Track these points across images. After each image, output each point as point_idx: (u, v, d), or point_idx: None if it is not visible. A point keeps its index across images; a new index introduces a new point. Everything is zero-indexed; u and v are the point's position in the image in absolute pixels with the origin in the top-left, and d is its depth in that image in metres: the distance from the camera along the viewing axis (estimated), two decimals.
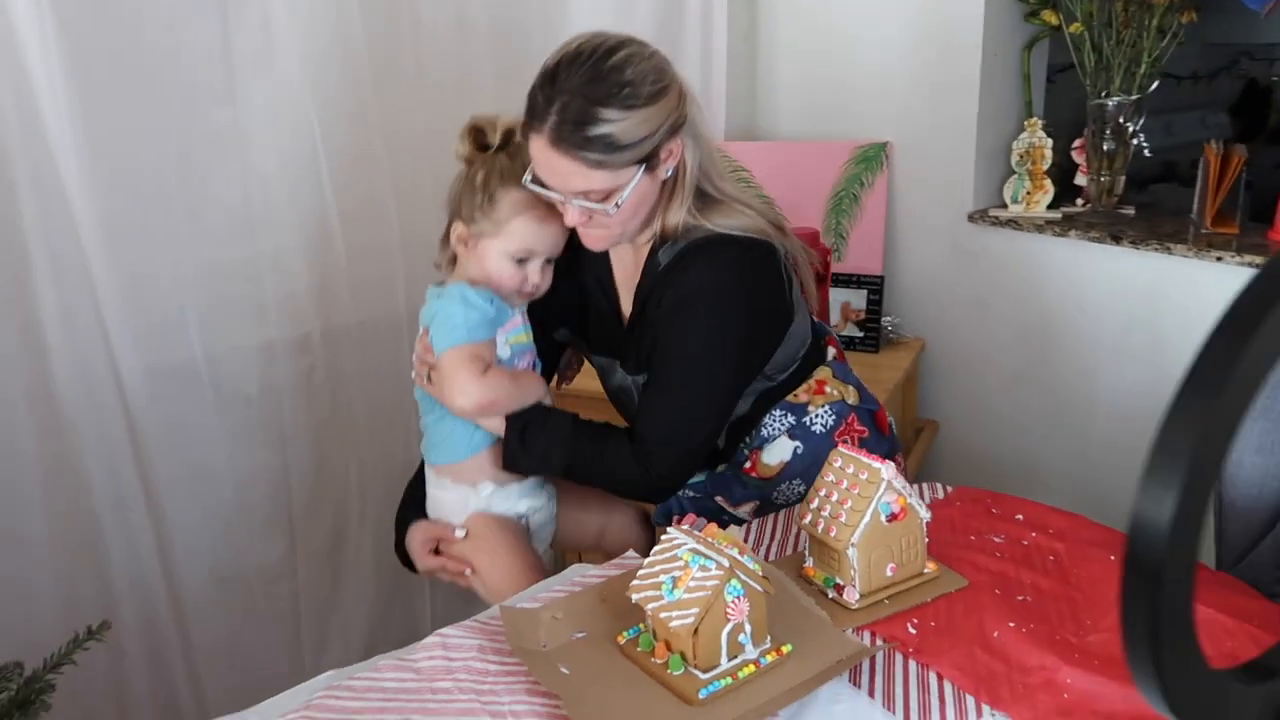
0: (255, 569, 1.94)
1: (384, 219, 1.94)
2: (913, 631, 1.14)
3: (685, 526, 1.11)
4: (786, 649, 1.09)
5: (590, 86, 1.19)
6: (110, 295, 1.62)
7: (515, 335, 1.40)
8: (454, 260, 1.39)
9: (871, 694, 1.04)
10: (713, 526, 1.10)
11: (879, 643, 1.12)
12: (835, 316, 2.22)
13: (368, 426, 2.02)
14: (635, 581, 1.09)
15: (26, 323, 1.58)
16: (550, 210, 1.30)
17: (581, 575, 1.26)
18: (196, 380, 1.78)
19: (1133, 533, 0.48)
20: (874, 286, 2.21)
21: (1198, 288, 1.80)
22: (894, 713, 1.02)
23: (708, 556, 1.05)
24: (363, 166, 1.88)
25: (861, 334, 2.22)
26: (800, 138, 2.38)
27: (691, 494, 1.52)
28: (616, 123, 1.19)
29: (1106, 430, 2.00)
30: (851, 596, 1.17)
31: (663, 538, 1.11)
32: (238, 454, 1.86)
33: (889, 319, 2.25)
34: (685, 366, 1.33)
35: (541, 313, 1.44)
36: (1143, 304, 1.90)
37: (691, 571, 1.04)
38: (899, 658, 1.10)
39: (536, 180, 1.26)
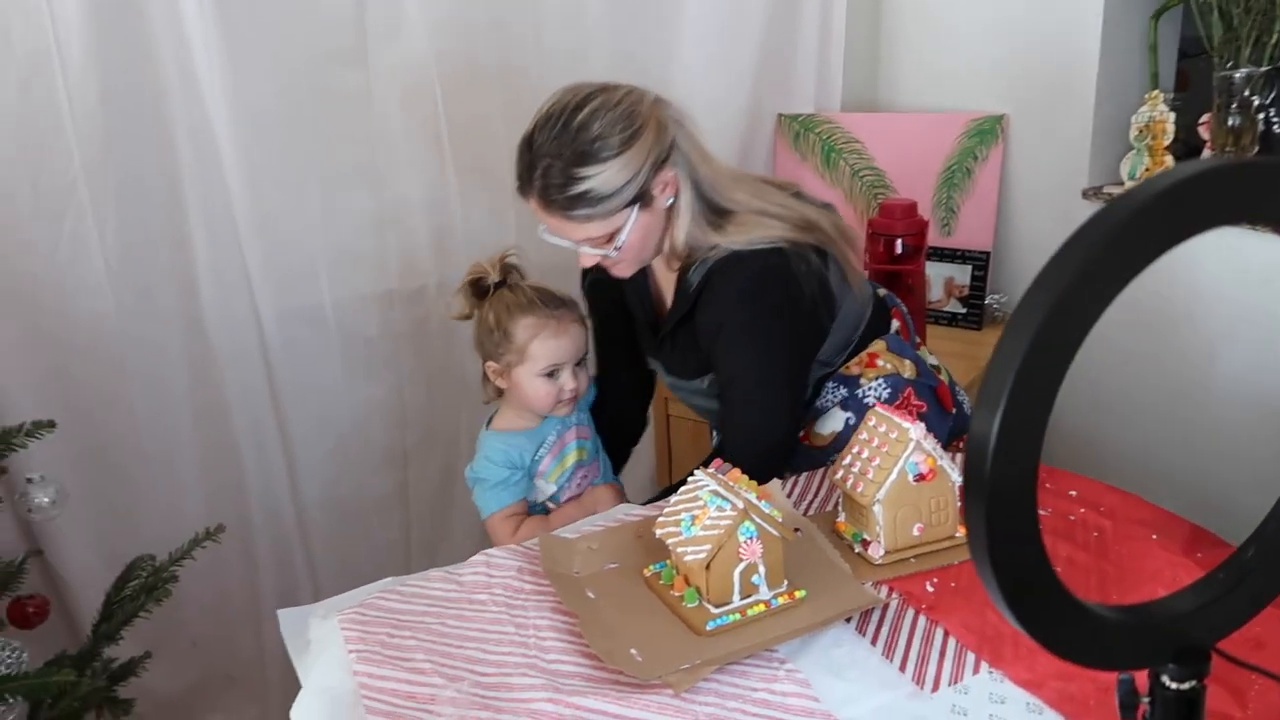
0: (372, 495, 2.13)
1: (498, 179, 2.06)
2: (930, 590, 1.16)
3: (711, 470, 1.17)
4: (800, 594, 1.14)
5: (563, 149, 1.26)
6: (253, 246, 1.83)
7: (565, 458, 1.53)
8: (499, 391, 1.53)
9: (874, 642, 1.08)
10: (735, 472, 1.16)
11: (892, 595, 1.15)
12: (938, 291, 2.20)
13: (478, 378, 2.17)
14: (661, 518, 1.17)
15: (185, 272, 1.80)
16: (561, 323, 1.44)
17: (624, 513, 1.35)
18: (324, 323, 1.97)
19: (967, 449, 0.53)
20: (979, 262, 2.17)
21: None
22: (891, 661, 1.06)
23: (725, 498, 1.11)
24: (479, 128, 2.00)
25: (964, 310, 2.19)
26: (916, 109, 2.35)
27: None
28: (594, 178, 1.27)
29: (1217, 418, 1.90)
30: (876, 552, 1.21)
31: (690, 479, 1.18)
32: (357, 391, 2.04)
33: (995, 296, 2.20)
34: (747, 387, 1.40)
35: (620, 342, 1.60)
36: (1263, 289, 1.79)
37: (709, 510, 1.11)
38: (910, 613, 1.13)
39: (548, 232, 1.36)
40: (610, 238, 1.33)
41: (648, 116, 1.31)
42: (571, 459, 1.54)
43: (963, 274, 2.20)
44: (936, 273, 2.19)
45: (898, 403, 1.49)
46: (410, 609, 1.15)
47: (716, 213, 1.37)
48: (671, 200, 1.36)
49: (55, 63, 1.58)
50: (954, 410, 1.55)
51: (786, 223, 1.38)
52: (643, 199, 1.32)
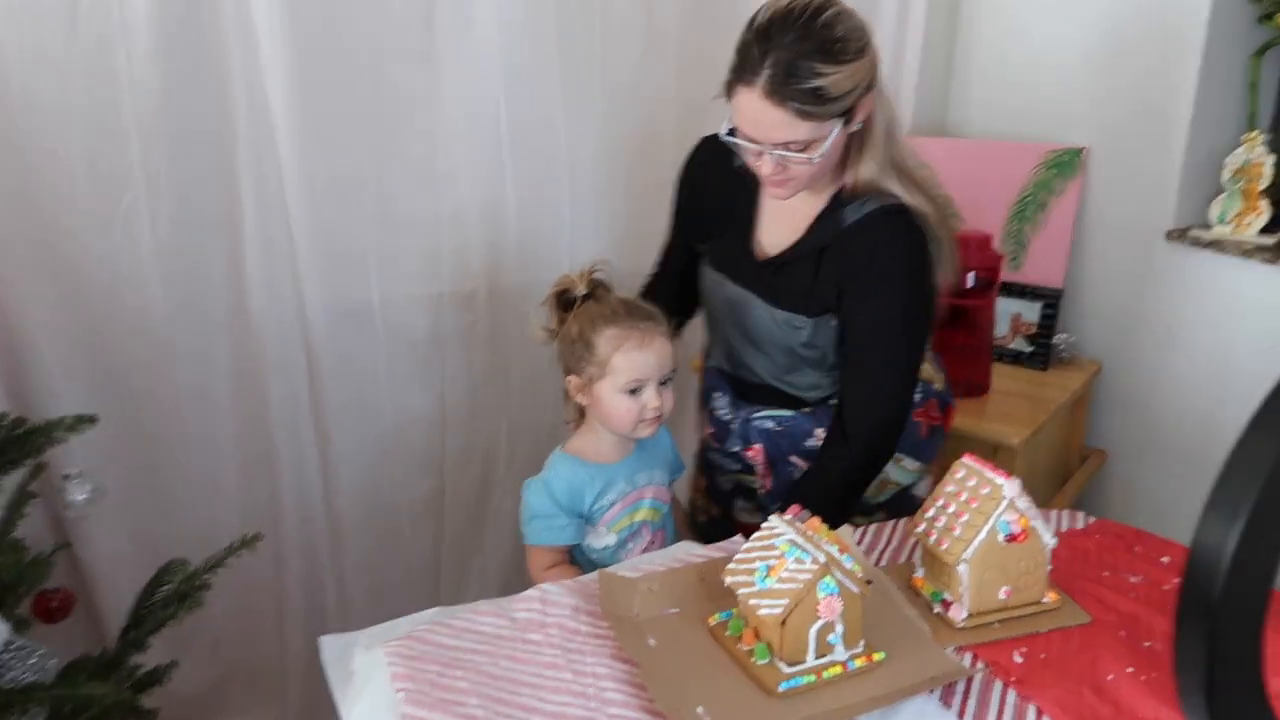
0: (406, 504, 2.06)
1: (557, 187, 2.00)
2: (1019, 660, 1.08)
3: (788, 517, 1.10)
4: (878, 657, 1.06)
5: (804, 42, 1.25)
6: (304, 236, 1.77)
7: (636, 511, 1.44)
8: (581, 411, 1.46)
9: (961, 716, 1.01)
10: (815, 520, 1.09)
11: (978, 665, 1.07)
12: (1003, 328, 2.11)
13: (520, 388, 2.11)
14: (731, 565, 1.09)
15: (233, 256, 1.74)
16: (645, 335, 1.37)
17: (686, 553, 1.28)
18: (370, 321, 1.91)
19: (1191, 561, 0.45)
20: (1050, 300, 2.08)
21: None
22: None
23: (804, 550, 1.04)
24: (541, 134, 1.94)
25: (1031, 349, 2.10)
26: (991, 136, 2.27)
27: (781, 421, 1.56)
28: (828, 76, 1.25)
29: None
30: (958, 614, 1.13)
31: (764, 526, 1.11)
32: (399, 394, 1.98)
33: (1063, 336, 2.11)
34: (890, 343, 1.41)
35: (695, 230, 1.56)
36: None
37: (786, 562, 1.04)
38: (998, 685, 1.05)
39: (735, 134, 1.33)
40: (808, 146, 1.31)
41: (871, 37, 1.32)
42: (643, 515, 1.45)
43: (1031, 311, 2.11)
44: (1003, 309, 2.10)
45: (920, 408, 1.53)
46: (460, 645, 1.08)
47: (892, 159, 1.38)
48: (859, 127, 1.35)
49: (120, 48, 1.53)
50: (946, 431, 1.63)
51: (935, 202, 1.39)
52: (848, 115, 1.31)
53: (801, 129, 1.28)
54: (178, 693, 1.82)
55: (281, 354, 1.82)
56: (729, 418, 1.60)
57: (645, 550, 1.45)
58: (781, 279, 1.46)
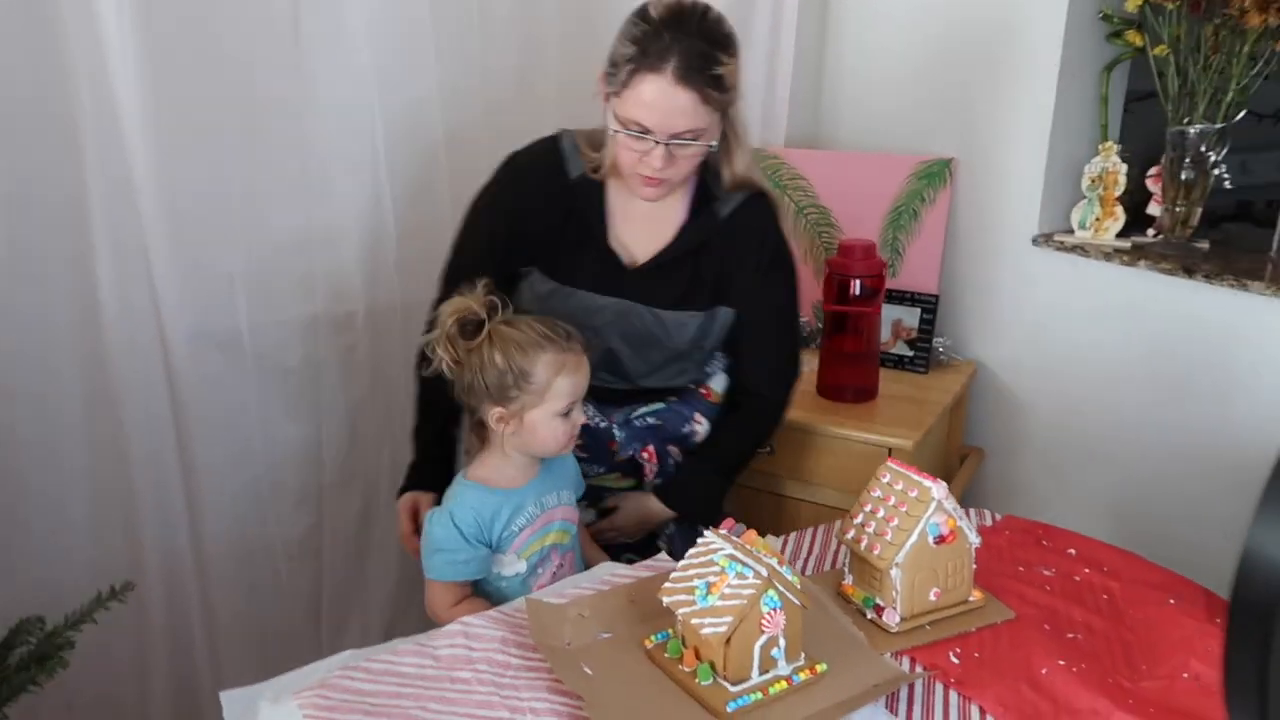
0: (281, 543, 1.92)
1: (437, 203, 1.92)
2: (955, 661, 1.08)
3: (723, 531, 1.06)
4: (821, 668, 1.04)
5: (704, 33, 1.33)
6: (162, 260, 1.61)
7: (546, 535, 1.37)
8: (484, 438, 1.37)
9: None
10: (752, 533, 1.06)
11: (919, 670, 1.07)
12: (886, 333, 2.16)
13: (404, 411, 1.99)
14: (668, 584, 1.05)
15: (84, 290, 1.57)
16: (578, 355, 1.33)
17: (611, 574, 1.23)
18: (239, 349, 1.77)
19: (1243, 567, 0.43)
20: (928, 305, 2.15)
21: (1274, 327, 1.72)
22: None
23: (745, 564, 1.01)
24: (419, 148, 1.86)
25: (911, 354, 2.16)
26: (863, 149, 2.33)
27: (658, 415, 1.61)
28: (726, 65, 1.34)
29: (1162, 472, 1.92)
30: (891, 619, 1.12)
31: (699, 541, 1.07)
32: (273, 425, 1.84)
33: (941, 340, 2.18)
34: (785, 318, 1.59)
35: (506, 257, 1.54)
36: (1212, 342, 1.82)
37: (728, 578, 1.00)
38: (939, 687, 1.05)
39: (628, 125, 1.35)
40: (699, 135, 1.37)
41: None
42: (553, 538, 1.38)
43: (911, 316, 2.16)
44: (885, 315, 2.15)
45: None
46: (381, 690, 0.99)
47: (751, 153, 1.50)
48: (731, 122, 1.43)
49: None
50: None
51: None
52: (728, 109, 1.40)
53: (702, 115, 1.34)
54: None
55: (140, 389, 1.66)
56: (604, 424, 1.58)
57: (555, 575, 1.38)
58: (659, 282, 1.50)
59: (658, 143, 1.35)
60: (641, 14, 1.35)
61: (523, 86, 2.00)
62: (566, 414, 1.31)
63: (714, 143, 1.39)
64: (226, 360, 1.75)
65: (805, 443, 1.87)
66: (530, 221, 1.52)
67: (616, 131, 1.37)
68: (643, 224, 1.52)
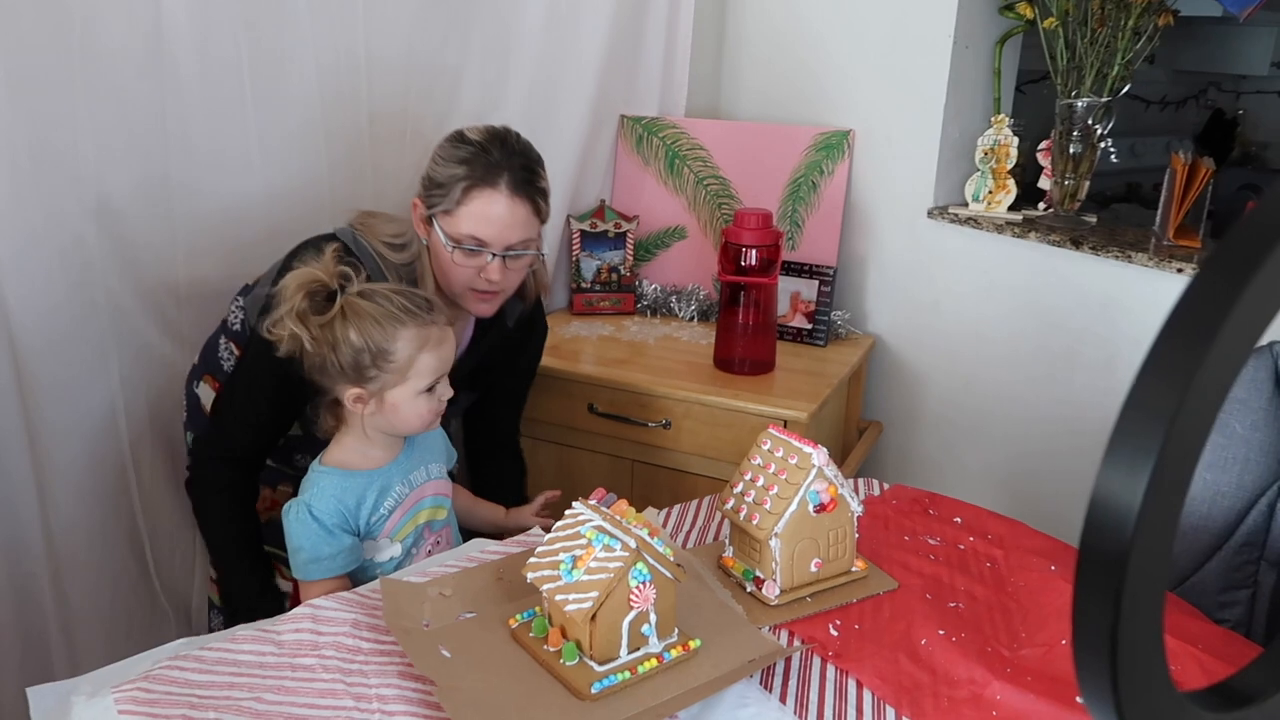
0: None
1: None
2: (834, 634, 1.04)
3: (593, 502, 1.00)
4: (695, 644, 0.99)
5: (525, 152, 1.42)
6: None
7: (417, 514, 1.29)
8: (338, 420, 1.26)
9: (783, 699, 0.95)
10: (623, 503, 1.00)
11: (796, 644, 1.03)
12: (784, 306, 2.13)
13: None
14: (532, 559, 0.98)
15: None
16: (440, 328, 1.24)
17: (480, 550, 1.16)
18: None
19: (1091, 515, 0.39)
20: (826, 278, 2.12)
21: (1157, 299, 1.73)
22: None
23: (613, 535, 0.95)
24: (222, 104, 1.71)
25: (810, 326, 2.13)
26: (762, 119, 2.29)
27: None
28: (546, 181, 1.44)
29: (1052, 442, 1.93)
30: (771, 591, 1.08)
31: (567, 513, 1.01)
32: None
33: (839, 313, 2.16)
34: (528, 381, 1.79)
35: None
36: (1099, 313, 1.83)
37: (594, 550, 0.94)
38: (817, 661, 1.01)
39: (463, 241, 1.38)
40: (530, 245, 1.43)
41: None
42: (425, 516, 1.29)
43: (809, 289, 2.13)
44: (783, 287, 2.11)
45: None
46: (213, 681, 0.90)
47: None
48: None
49: None
50: None
51: None
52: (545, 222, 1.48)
53: (534, 225, 1.42)
54: None
55: None
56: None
57: (431, 554, 1.30)
58: (470, 375, 1.58)
59: (494, 255, 1.38)
60: (460, 138, 1.40)
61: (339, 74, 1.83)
62: (430, 389, 1.23)
63: (545, 251, 1.47)
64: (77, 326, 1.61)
65: (702, 415, 1.82)
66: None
67: (454, 248, 1.38)
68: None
